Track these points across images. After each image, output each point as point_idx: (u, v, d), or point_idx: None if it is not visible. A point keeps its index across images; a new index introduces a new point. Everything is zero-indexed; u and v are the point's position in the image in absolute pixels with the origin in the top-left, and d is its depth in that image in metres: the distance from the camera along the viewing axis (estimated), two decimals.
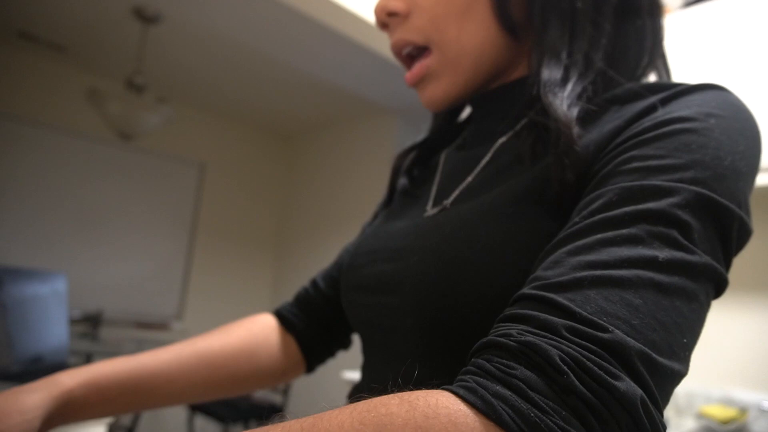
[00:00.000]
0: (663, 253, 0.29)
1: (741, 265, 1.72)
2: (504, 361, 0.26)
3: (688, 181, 0.31)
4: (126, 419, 2.66)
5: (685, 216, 0.30)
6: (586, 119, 0.40)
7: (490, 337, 0.28)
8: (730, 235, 0.32)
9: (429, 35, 0.47)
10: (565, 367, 0.24)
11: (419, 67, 0.49)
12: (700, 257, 0.30)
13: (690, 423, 1.65)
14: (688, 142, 0.32)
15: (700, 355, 1.75)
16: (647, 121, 0.35)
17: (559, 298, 0.28)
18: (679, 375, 0.28)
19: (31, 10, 2.92)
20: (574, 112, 0.40)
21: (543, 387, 0.24)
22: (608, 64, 0.45)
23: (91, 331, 3.07)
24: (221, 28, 2.92)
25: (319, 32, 2.82)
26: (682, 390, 1.74)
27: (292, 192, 4.73)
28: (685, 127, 0.33)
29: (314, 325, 0.64)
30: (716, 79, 1.53)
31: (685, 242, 0.30)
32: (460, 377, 0.28)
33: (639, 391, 0.25)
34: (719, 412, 1.53)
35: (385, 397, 0.27)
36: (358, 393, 0.50)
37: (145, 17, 2.88)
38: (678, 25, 1.64)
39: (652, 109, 0.36)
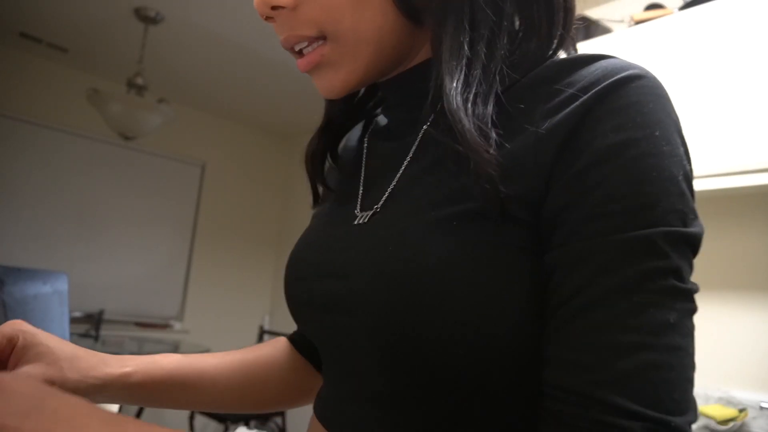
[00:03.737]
0: (674, 314, 0.34)
1: (741, 265, 1.73)
2: None
3: (662, 215, 0.35)
4: None
5: (673, 260, 0.34)
6: (509, 112, 0.40)
7: None
8: (698, 251, 0.37)
9: (322, 26, 0.44)
10: None
11: (314, 54, 0.45)
12: (693, 300, 0.35)
13: None
14: (648, 170, 0.35)
15: (699, 355, 1.75)
16: (601, 142, 0.36)
17: (620, 400, 0.32)
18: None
19: (33, 11, 2.93)
20: (487, 116, 0.39)
21: None
22: (518, 41, 0.44)
23: (93, 331, 3.08)
24: (222, 29, 2.93)
25: None
26: None
27: (292, 192, 4.74)
28: (640, 152, 0.35)
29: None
30: (715, 81, 1.53)
31: (681, 285, 0.35)
32: None
33: None
34: (718, 411, 1.54)
35: None
36: (322, 403, 0.51)
37: (146, 18, 2.88)
38: (676, 27, 1.64)
39: (588, 111, 0.36)
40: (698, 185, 1.55)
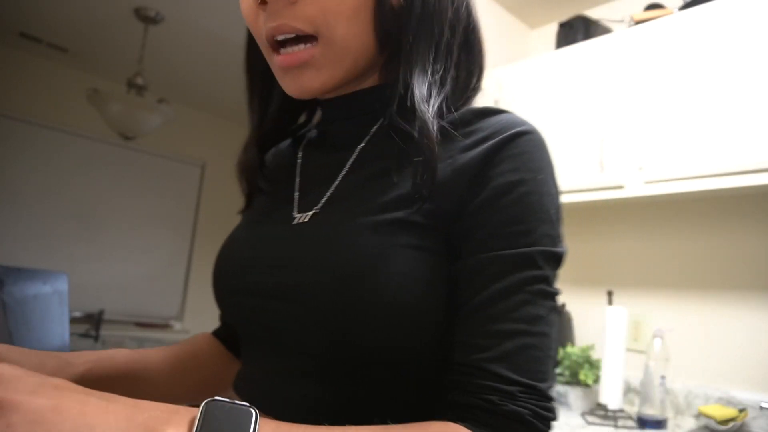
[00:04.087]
0: (543, 309, 0.45)
1: (741, 265, 1.73)
2: (497, 421, 0.42)
3: (539, 238, 0.46)
4: None
5: (545, 271, 0.46)
6: (445, 135, 0.49)
7: (475, 400, 0.42)
8: (561, 265, 0.48)
9: (318, 27, 0.48)
10: (532, 418, 0.43)
11: (304, 53, 0.49)
12: (556, 299, 0.47)
13: (689, 422, 1.65)
14: (531, 205, 0.46)
15: (699, 355, 1.75)
16: (500, 179, 0.46)
17: (504, 371, 0.43)
18: None
19: (33, 11, 2.93)
20: (435, 127, 0.48)
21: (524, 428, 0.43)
22: (454, 84, 0.54)
23: (93, 331, 3.08)
24: (222, 29, 2.93)
25: None
26: (681, 390, 1.74)
27: None
28: (527, 189, 0.47)
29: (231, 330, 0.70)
30: (715, 81, 1.53)
31: (549, 289, 0.46)
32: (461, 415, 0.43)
33: (553, 407, 0.44)
34: (718, 411, 1.54)
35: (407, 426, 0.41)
36: (244, 382, 0.55)
37: (146, 18, 2.88)
38: (676, 27, 1.64)
39: (493, 154, 0.47)
40: (698, 185, 1.56)
